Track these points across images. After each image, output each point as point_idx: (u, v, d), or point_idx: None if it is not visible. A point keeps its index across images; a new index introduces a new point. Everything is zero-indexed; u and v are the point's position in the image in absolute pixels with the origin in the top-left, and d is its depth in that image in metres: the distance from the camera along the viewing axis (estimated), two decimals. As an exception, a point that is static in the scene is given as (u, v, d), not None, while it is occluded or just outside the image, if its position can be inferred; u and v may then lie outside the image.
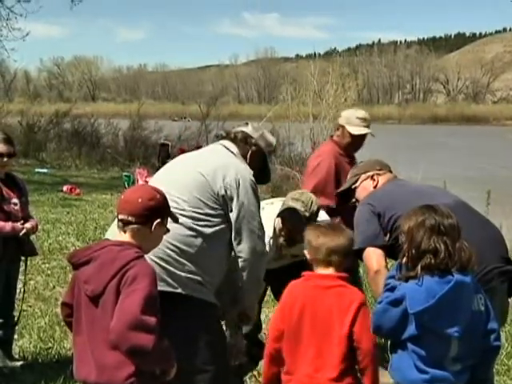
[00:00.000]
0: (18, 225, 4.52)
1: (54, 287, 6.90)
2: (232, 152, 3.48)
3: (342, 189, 4.20)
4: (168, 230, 2.91)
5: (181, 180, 3.29)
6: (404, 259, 2.80)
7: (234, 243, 3.31)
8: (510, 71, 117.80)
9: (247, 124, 3.70)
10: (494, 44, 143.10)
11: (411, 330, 2.72)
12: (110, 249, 2.73)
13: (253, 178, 3.38)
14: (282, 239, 4.22)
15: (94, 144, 23.12)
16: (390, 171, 4.02)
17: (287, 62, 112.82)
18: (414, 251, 2.74)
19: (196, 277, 3.17)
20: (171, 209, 3.15)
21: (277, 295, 4.78)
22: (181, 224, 3.12)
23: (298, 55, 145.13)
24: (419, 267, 2.70)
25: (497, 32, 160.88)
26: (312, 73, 17.36)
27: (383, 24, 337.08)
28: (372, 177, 3.91)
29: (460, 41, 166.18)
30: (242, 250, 3.30)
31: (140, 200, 2.76)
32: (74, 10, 23.46)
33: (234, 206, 3.24)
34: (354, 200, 4.04)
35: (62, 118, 24.13)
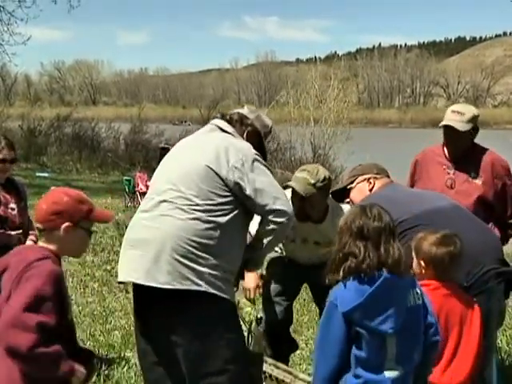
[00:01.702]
0: (11, 233, 4.40)
1: (54, 291, 6.90)
2: (227, 132, 3.43)
3: (336, 188, 4.15)
4: (91, 233, 2.86)
5: (187, 175, 3.23)
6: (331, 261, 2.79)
7: (264, 215, 3.25)
8: (511, 75, 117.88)
9: (243, 106, 3.66)
10: (495, 48, 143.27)
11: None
12: (19, 252, 2.73)
13: (253, 150, 3.32)
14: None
15: (94, 148, 23.19)
16: (388, 176, 3.99)
17: (287, 65, 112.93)
18: (340, 254, 2.73)
19: (219, 272, 3.16)
20: (183, 206, 3.13)
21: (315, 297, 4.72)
22: (197, 219, 3.12)
23: (298, 59, 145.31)
24: (341, 270, 2.70)
25: (497, 36, 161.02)
26: (313, 77, 17.38)
27: (383, 28, 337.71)
28: (368, 180, 3.88)
29: (460, 45, 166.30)
30: (274, 217, 3.22)
31: (44, 206, 2.73)
32: (75, 15, 23.50)
33: (246, 184, 3.18)
34: (347, 200, 4.03)
35: (62, 122, 24.23)
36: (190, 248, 3.11)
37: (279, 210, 3.20)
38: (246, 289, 4.50)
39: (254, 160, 3.25)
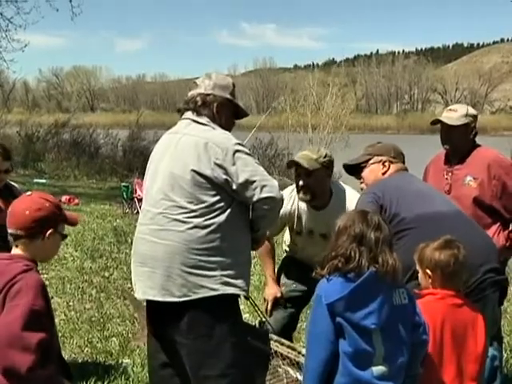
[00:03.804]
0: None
1: (52, 298, 6.85)
2: (201, 123, 3.38)
3: (351, 162, 4.06)
4: (65, 236, 2.82)
5: (176, 183, 3.23)
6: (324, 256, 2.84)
7: (253, 204, 3.25)
8: (508, 82, 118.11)
9: (196, 84, 3.55)
10: (492, 54, 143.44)
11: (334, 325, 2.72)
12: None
13: (233, 140, 3.28)
14: (301, 193, 4.19)
15: (92, 154, 23.19)
16: (403, 161, 3.93)
17: (286, 72, 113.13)
18: (333, 253, 2.77)
19: (234, 270, 3.19)
20: (179, 216, 3.15)
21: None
22: (195, 227, 3.14)
23: (296, 65, 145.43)
24: (327, 267, 2.75)
25: (495, 43, 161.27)
26: (311, 83, 17.43)
27: (381, 34, 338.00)
28: (384, 163, 3.83)
29: (458, 51, 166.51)
30: (263, 205, 3.23)
31: (27, 212, 2.65)
32: (74, 22, 23.30)
33: (230, 176, 3.17)
34: (360, 179, 3.96)
35: (60, 129, 24.22)
36: (198, 257, 3.13)
37: (266, 197, 3.21)
38: (266, 299, 4.48)
39: (235, 152, 3.22)
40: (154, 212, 3.27)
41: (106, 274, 8.06)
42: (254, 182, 3.19)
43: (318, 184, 4.15)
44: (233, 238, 3.22)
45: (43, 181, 18.41)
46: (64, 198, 14.34)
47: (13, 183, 4.77)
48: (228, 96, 3.49)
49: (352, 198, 4.15)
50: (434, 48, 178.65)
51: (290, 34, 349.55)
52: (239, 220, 3.28)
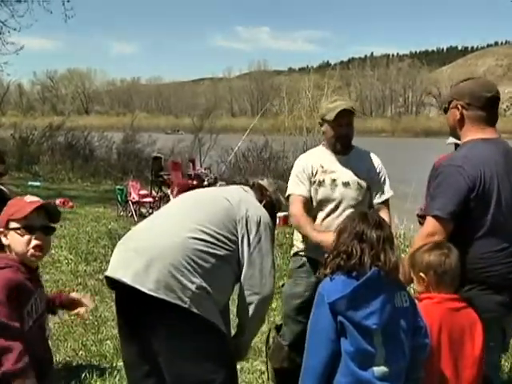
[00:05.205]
0: None
1: (46, 301, 6.87)
2: (250, 195, 3.62)
3: (442, 102, 3.92)
4: (31, 229, 2.86)
5: (206, 201, 3.42)
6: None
7: (245, 277, 3.31)
8: (503, 84, 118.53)
9: (263, 179, 3.84)
10: (486, 58, 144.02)
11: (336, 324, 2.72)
12: None
13: (269, 218, 3.46)
14: (338, 145, 4.29)
15: (87, 157, 23.19)
16: (485, 105, 3.45)
17: (280, 74, 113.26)
18: (335, 252, 2.81)
19: (205, 294, 3.17)
20: (191, 224, 3.22)
21: None
22: (199, 239, 3.18)
23: (290, 68, 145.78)
24: (330, 266, 2.78)
25: (489, 46, 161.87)
26: (306, 86, 17.43)
27: (375, 37, 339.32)
28: (458, 108, 3.50)
29: (452, 54, 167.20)
30: (253, 284, 3.31)
31: None
32: (68, 25, 23.38)
33: (252, 239, 3.29)
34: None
35: (55, 131, 24.22)
36: (185, 263, 3.14)
37: (258, 283, 3.30)
38: (325, 246, 4.32)
39: (269, 226, 3.41)
40: (168, 212, 3.44)
41: (101, 277, 8.02)
42: (264, 260, 3.32)
43: (352, 131, 4.32)
44: (220, 275, 3.24)
45: (37, 183, 18.40)
46: (58, 201, 14.33)
47: (2, 187, 4.75)
48: (276, 206, 3.74)
49: (375, 157, 4.41)
50: (428, 51, 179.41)
51: (285, 37, 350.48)
52: (232, 270, 3.30)
